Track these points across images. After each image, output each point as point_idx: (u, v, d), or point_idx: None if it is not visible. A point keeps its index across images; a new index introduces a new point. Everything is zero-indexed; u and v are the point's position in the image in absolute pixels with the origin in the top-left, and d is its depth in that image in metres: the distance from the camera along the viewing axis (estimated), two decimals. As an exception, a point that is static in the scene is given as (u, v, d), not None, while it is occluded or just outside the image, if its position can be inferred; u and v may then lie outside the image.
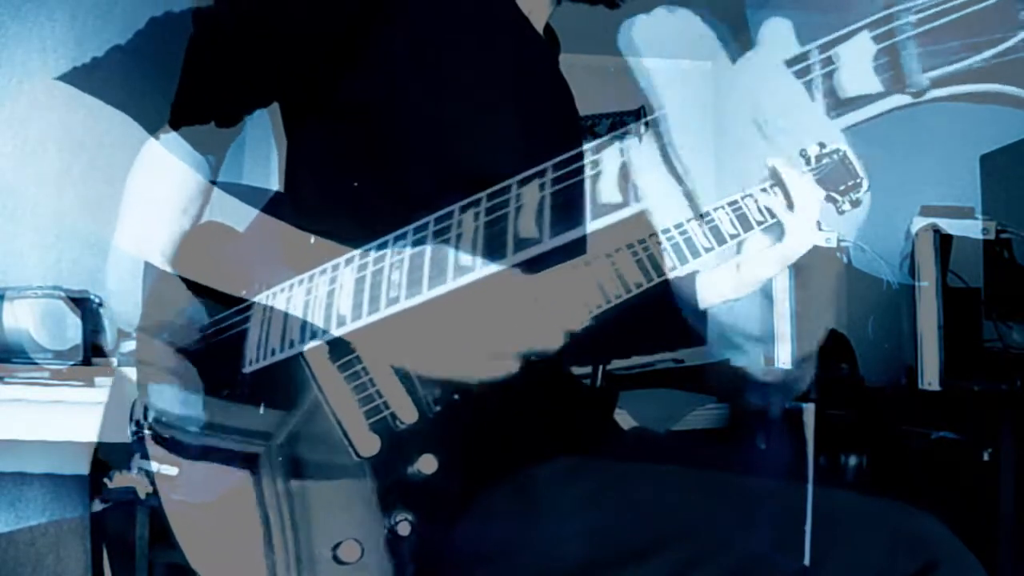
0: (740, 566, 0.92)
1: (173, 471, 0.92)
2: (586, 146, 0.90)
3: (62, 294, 1.62)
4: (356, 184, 0.98)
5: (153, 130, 0.94)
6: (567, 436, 1.03)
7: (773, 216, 0.98)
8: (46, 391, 1.55)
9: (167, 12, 0.96)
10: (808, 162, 1.01)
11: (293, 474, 0.88)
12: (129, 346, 1.59)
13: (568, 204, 0.87)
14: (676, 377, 2.03)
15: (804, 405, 1.61)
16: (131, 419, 0.96)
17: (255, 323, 0.92)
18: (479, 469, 0.93)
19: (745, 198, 0.97)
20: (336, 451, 0.88)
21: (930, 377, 1.80)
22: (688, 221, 0.95)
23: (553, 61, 1.16)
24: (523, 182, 0.88)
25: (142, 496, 0.95)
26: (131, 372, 0.99)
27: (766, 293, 1.07)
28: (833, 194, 1.01)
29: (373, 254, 0.89)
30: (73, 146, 0.94)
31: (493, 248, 0.87)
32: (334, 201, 1.00)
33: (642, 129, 0.91)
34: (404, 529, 0.87)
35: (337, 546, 0.86)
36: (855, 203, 1.00)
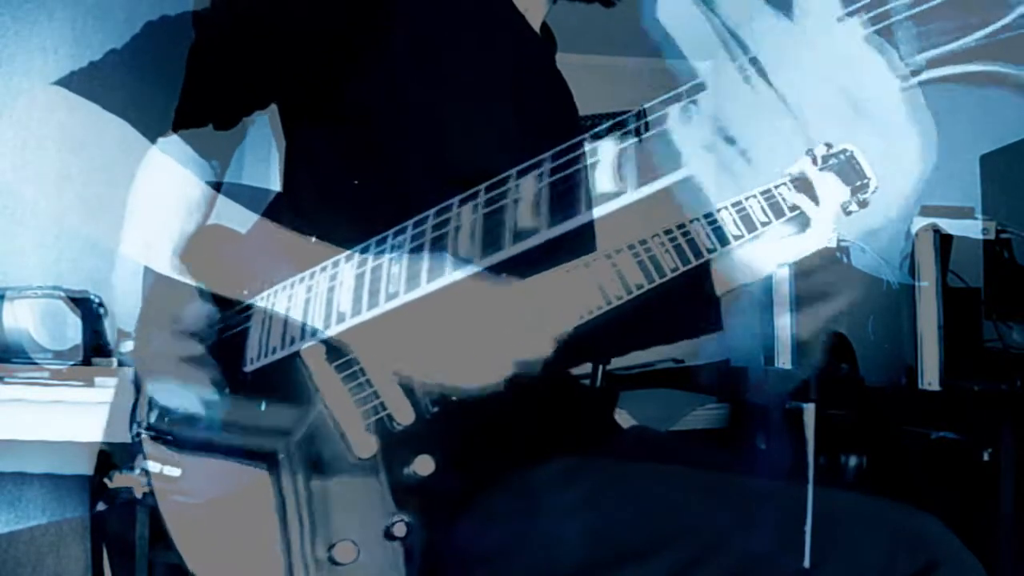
0: (740, 566, 0.92)
1: (176, 472, 0.92)
2: (583, 136, 0.90)
3: (62, 294, 1.63)
4: (356, 184, 0.98)
5: (152, 135, 0.94)
6: (566, 436, 1.03)
7: (796, 209, 0.98)
8: (46, 391, 1.55)
9: (163, 16, 0.96)
10: (815, 162, 1.01)
11: (291, 475, 0.88)
12: (129, 346, 1.59)
13: (566, 194, 0.87)
14: (676, 377, 2.03)
15: (804, 405, 1.60)
16: (132, 420, 0.96)
17: (256, 322, 0.92)
18: (477, 470, 0.93)
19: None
20: (333, 452, 0.88)
21: (930, 377, 1.80)
22: (691, 222, 0.95)
23: (550, 59, 1.16)
24: (521, 173, 0.88)
25: (139, 496, 0.95)
26: (131, 372, 0.99)
27: (766, 293, 1.07)
28: (845, 191, 1.01)
29: (373, 249, 0.89)
30: (73, 146, 0.93)
31: (492, 240, 0.87)
32: (334, 201, 1.00)
33: (642, 129, 0.91)
34: (401, 530, 0.87)
35: (333, 547, 0.86)
36: (862, 204, 1.00)
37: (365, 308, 0.88)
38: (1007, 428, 1.71)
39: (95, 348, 1.67)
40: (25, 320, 1.60)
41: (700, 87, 0.86)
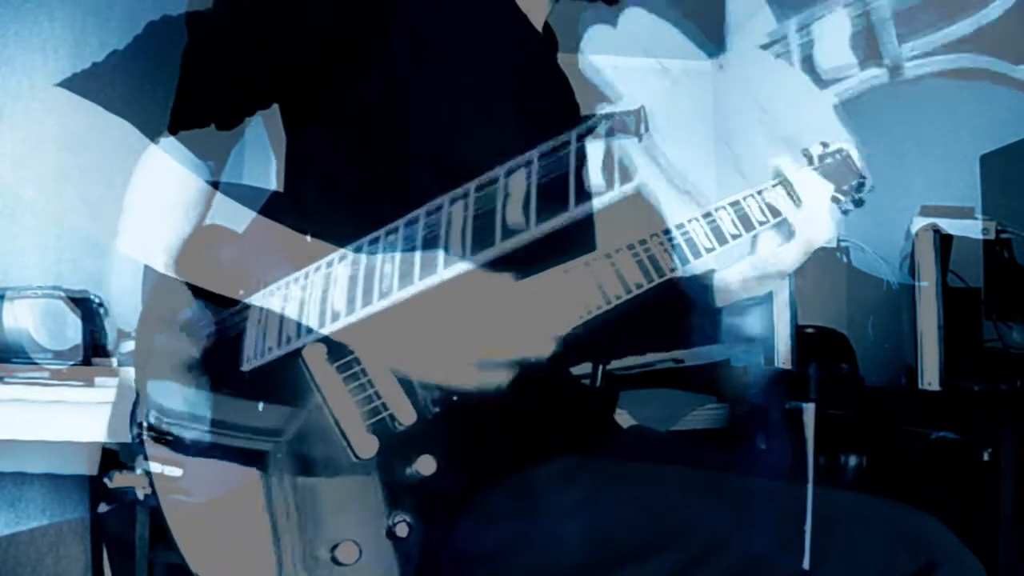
0: (740, 566, 0.92)
1: (177, 472, 0.92)
2: (570, 133, 0.90)
3: (62, 294, 1.63)
4: (356, 184, 0.98)
5: (153, 135, 0.94)
6: (567, 436, 1.03)
7: (777, 215, 0.98)
8: (46, 391, 1.55)
9: (164, 16, 0.96)
10: (810, 161, 1.01)
11: (292, 475, 0.88)
12: (129, 346, 1.59)
13: (554, 191, 0.87)
14: (676, 377, 2.03)
15: (804, 405, 1.60)
16: (132, 421, 0.96)
17: (252, 322, 0.92)
18: (478, 470, 0.93)
19: (747, 198, 0.98)
20: (335, 452, 0.88)
21: (930, 377, 1.80)
22: (690, 222, 0.95)
23: (552, 59, 1.16)
24: (509, 172, 0.88)
25: (140, 496, 0.95)
26: (131, 372, 0.99)
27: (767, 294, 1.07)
28: (836, 194, 1.02)
29: (366, 248, 0.89)
30: (73, 146, 0.93)
31: (482, 237, 0.87)
32: (334, 201, 1.00)
33: (642, 129, 0.91)
34: (403, 530, 0.87)
35: (335, 547, 0.86)
36: (858, 203, 1.00)
37: (359, 306, 0.88)
38: (1007, 428, 1.71)
39: (95, 348, 1.66)
40: (25, 320, 1.60)
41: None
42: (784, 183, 0.98)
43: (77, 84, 0.93)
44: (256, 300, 0.92)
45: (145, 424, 0.94)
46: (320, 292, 0.89)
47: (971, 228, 1.90)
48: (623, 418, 1.21)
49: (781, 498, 0.96)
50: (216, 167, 1.00)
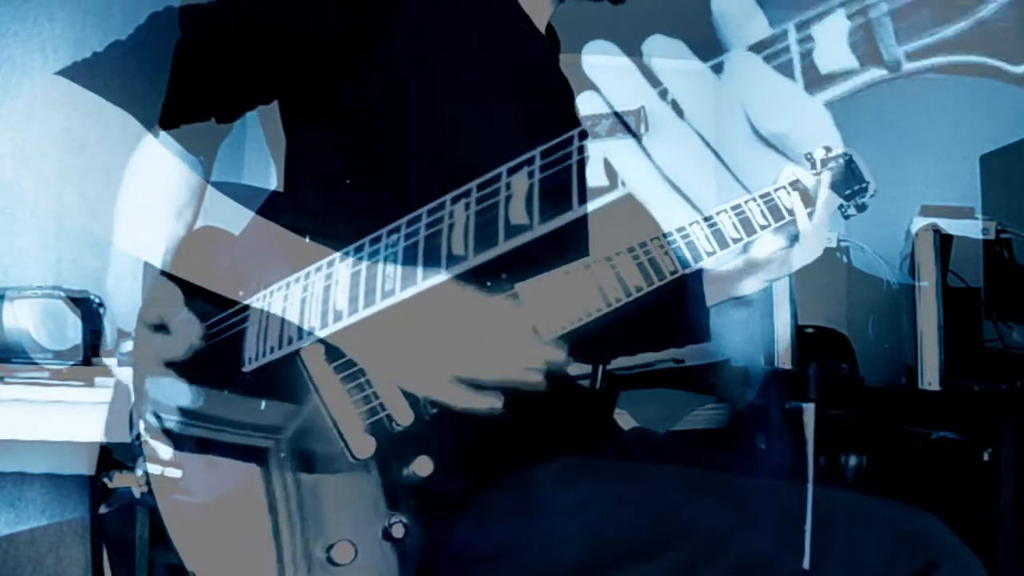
0: (740, 566, 0.92)
1: (177, 473, 0.92)
2: (572, 132, 0.90)
3: (62, 294, 1.62)
4: (357, 184, 0.98)
5: (153, 127, 0.94)
6: (566, 437, 1.03)
7: (780, 219, 0.98)
8: (46, 391, 1.55)
9: (168, 7, 0.96)
10: (813, 166, 1.01)
11: (289, 475, 0.88)
12: (129, 346, 1.59)
13: (556, 190, 0.87)
14: (676, 377, 2.03)
15: (804, 405, 1.60)
16: (132, 420, 0.96)
17: (253, 322, 0.92)
18: (476, 471, 0.93)
19: (748, 202, 0.97)
20: (332, 452, 0.88)
21: (930, 377, 1.80)
22: (691, 225, 0.95)
23: (554, 60, 1.16)
24: (512, 171, 0.88)
25: (137, 496, 0.95)
26: (131, 372, 0.99)
27: (766, 293, 1.07)
28: (838, 198, 1.01)
29: (367, 248, 0.89)
30: (73, 146, 0.93)
31: (485, 237, 0.87)
32: (335, 201, 1.00)
33: (642, 129, 0.91)
34: (399, 531, 0.87)
35: (331, 547, 0.86)
36: (860, 208, 1.00)
37: (361, 306, 0.88)
38: (1007, 428, 1.72)
39: (95, 348, 1.66)
40: (25, 320, 1.60)
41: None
42: (799, 187, 0.98)
43: (77, 74, 0.93)
44: (257, 301, 0.92)
45: (144, 424, 0.94)
46: (321, 292, 0.89)
47: (971, 228, 1.90)
48: (623, 419, 1.21)
49: (781, 498, 0.96)
50: (207, 163, 0.99)
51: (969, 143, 2.22)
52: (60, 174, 0.95)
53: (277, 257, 0.93)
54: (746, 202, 0.97)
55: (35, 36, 1.91)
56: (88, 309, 1.65)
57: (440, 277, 0.87)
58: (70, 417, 1.54)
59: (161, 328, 0.96)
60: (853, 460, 1.98)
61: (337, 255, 0.90)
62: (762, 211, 0.97)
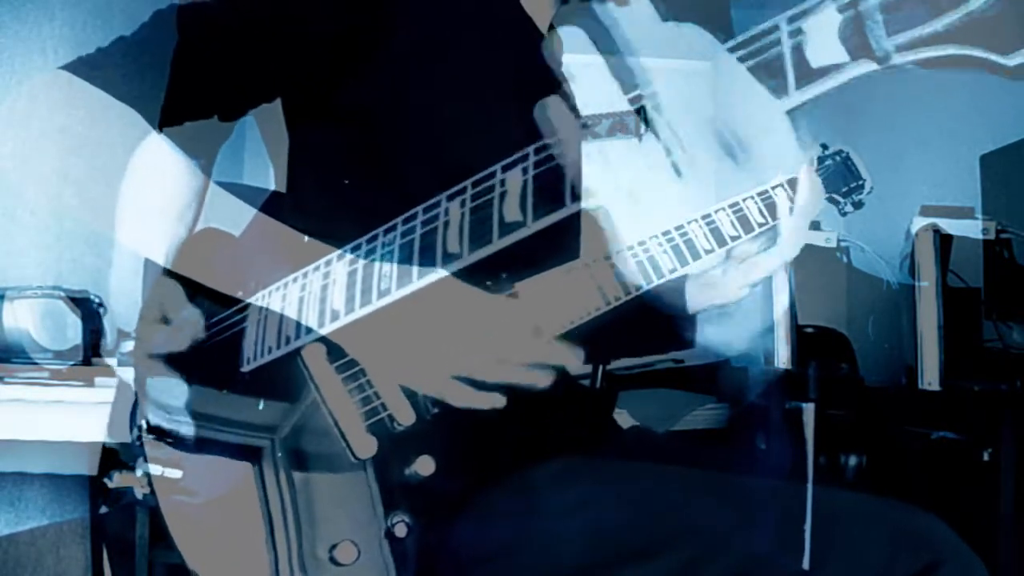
0: (740, 566, 0.92)
1: (177, 473, 0.92)
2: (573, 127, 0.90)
3: (62, 294, 1.63)
4: (358, 184, 0.98)
5: (156, 124, 0.94)
6: (566, 437, 1.03)
7: (776, 218, 0.98)
8: (46, 391, 1.55)
9: (173, 5, 0.96)
10: (810, 163, 1.01)
11: (291, 475, 0.88)
12: (129, 346, 1.59)
13: (551, 186, 0.87)
14: (676, 377, 2.03)
15: (804, 405, 1.60)
16: (132, 422, 0.96)
17: (252, 322, 0.92)
18: (477, 470, 0.93)
19: (747, 200, 0.97)
20: (333, 452, 0.88)
21: (930, 377, 1.80)
22: (689, 223, 0.95)
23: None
24: (506, 168, 0.88)
25: (139, 496, 0.95)
26: (131, 372, 0.99)
27: (766, 293, 1.07)
28: (835, 196, 1.01)
29: (364, 247, 0.89)
30: (73, 146, 0.93)
31: (479, 235, 0.87)
32: (336, 202, 1.00)
33: (642, 129, 0.91)
34: (401, 531, 0.87)
35: (334, 547, 0.86)
36: (857, 205, 1.00)
37: (358, 305, 0.88)
38: (1007, 428, 1.72)
39: (95, 348, 1.67)
40: (25, 320, 1.60)
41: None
42: (786, 186, 0.98)
43: (80, 70, 0.93)
44: (256, 300, 0.92)
45: (145, 423, 0.94)
46: (319, 291, 0.89)
47: (971, 228, 1.90)
48: (623, 418, 1.21)
49: (781, 498, 0.96)
50: (205, 165, 0.99)
51: (969, 143, 2.23)
52: (60, 174, 0.95)
53: (276, 257, 0.93)
54: (744, 200, 0.97)
55: (35, 36, 1.91)
56: (88, 309, 1.65)
57: (436, 275, 0.87)
58: (70, 417, 1.54)
59: (164, 323, 0.96)
60: (853, 460, 1.98)
61: (335, 254, 0.90)
62: (759, 209, 0.97)
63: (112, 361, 1.66)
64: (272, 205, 1.00)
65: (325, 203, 1.00)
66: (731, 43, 0.82)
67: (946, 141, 2.45)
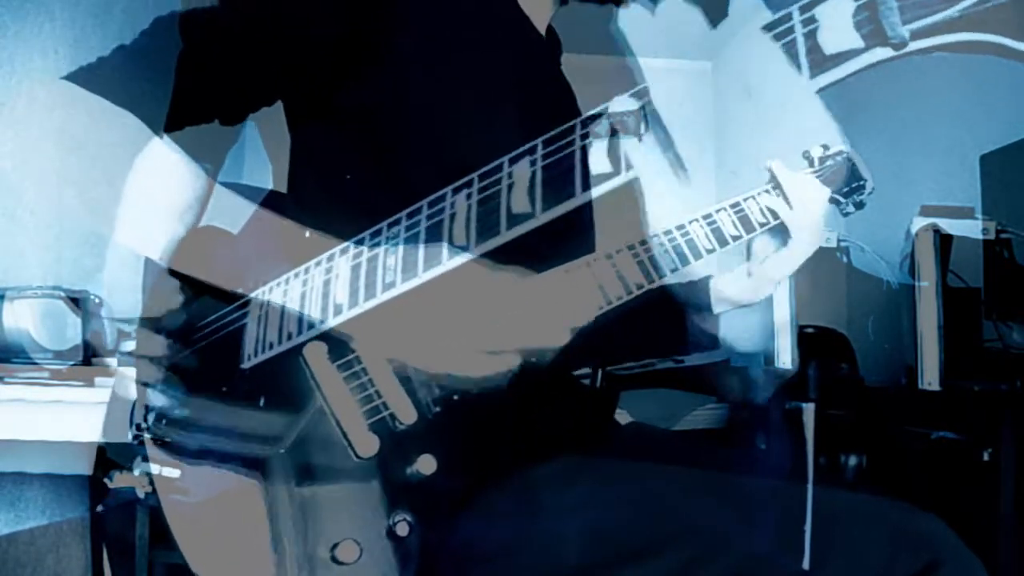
0: (740, 566, 0.92)
1: (175, 473, 0.92)
2: (574, 121, 0.90)
3: (62, 294, 1.62)
4: (360, 184, 0.98)
5: (158, 130, 0.94)
6: (567, 436, 1.03)
7: (776, 217, 0.98)
8: (46, 391, 1.55)
9: (172, 12, 0.96)
10: (811, 164, 1.01)
11: (291, 474, 0.88)
12: (129, 346, 1.59)
13: (559, 177, 0.87)
14: (676, 377, 2.03)
15: (804, 405, 1.60)
16: (131, 421, 0.96)
17: (252, 318, 0.92)
18: (478, 470, 0.93)
19: (747, 200, 0.98)
20: (335, 451, 0.88)
21: (930, 377, 1.80)
22: (690, 223, 0.95)
23: (555, 62, 1.16)
24: (513, 160, 0.88)
25: (141, 496, 0.95)
26: (131, 372, 0.99)
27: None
28: (836, 196, 1.02)
29: (368, 241, 0.89)
30: (73, 146, 0.93)
31: (487, 226, 0.87)
32: (338, 201, 1.00)
33: (642, 129, 0.91)
34: (403, 529, 0.87)
35: (335, 546, 0.86)
36: (859, 205, 1.00)
37: (362, 299, 0.88)
38: (1007, 428, 1.71)
39: (95, 348, 1.66)
40: (25, 320, 1.60)
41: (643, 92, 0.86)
42: (776, 186, 0.98)
43: (82, 78, 0.93)
44: (256, 296, 0.92)
45: (144, 425, 0.94)
46: (322, 286, 0.89)
47: (971, 228, 1.90)
48: (623, 418, 1.21)
49: (781, 498, 0.96)
50: (213, 169, 1.00)
51: (969, 143, 2.22)
52: (60, 174, 0.95)
53: (275, 253, 0.93)
54: (745, 200, 0.98)
55: (35, 36, 1.91)
56: (88, 309, 1.65)
57: (443, 267, 0.87)
58: (70, 417, 1.54)
59: (162, 327, 0.96)
60: (853, 460, 1.98)
61: (337, 248, 0.90)
62: (760, 209, 0.97)
63: (112, 361, 1.66)
64: (270, 204, 1.00)
65: (327, 203, 1.00)
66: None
67: (946, 141, 2.45)
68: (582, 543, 0.92)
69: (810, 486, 0.96)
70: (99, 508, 2.01)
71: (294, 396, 0.90)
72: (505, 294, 0.89)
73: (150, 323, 0.97)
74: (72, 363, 1.61)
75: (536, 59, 1.11)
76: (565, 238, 0.90)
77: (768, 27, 0.80)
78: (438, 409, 0.89)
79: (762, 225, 0.97)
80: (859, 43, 0.78)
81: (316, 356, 0.89)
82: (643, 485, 0.99)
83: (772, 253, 1.00)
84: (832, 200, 1.02)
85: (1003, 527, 1.69)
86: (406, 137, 0.97)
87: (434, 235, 0.87)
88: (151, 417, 0.94)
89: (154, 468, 0.93)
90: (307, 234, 0.93)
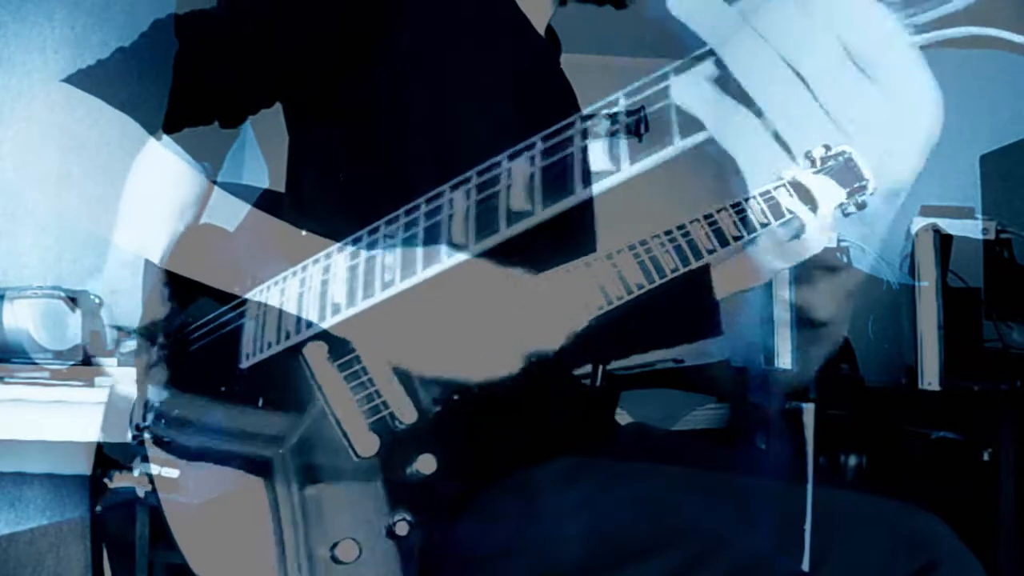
0: (740, 566, 0.92)
1: (174, 473, 0.92)
2: (575, 116, 0.89)
3: (62, 294, 1.63)
4: (358, 183, 0.98)
5: (156, 132, 0.94)
6: (568, 436, 1.03)
7: (780, 217, 0.98)
8: (46, 391, 1.55)
9: (171, 14, 0.96)
10: (813, 164, 1.01)
11: (291, 473, 0.88)
12: (129, 346, 1.60)
13: (559, 174, 0.87)
14: (676, 377, 2.03)
15: (804, 405, 1.60)
16: (131, 421, 0.96)
17: (250, 317, 0.92)
18: (479, 469, 0.93)
19: (748, 199, 0.97)
20: (335, 451, 0.88)
21: (930, 377, 1.80)
22: (691, 222, 0.95)
23: (554, 62, 1.16)
24: (512, 156, 0.87)
25: (141, 494, 0.95)
26: (131, 372, 0.99)
27: (767, 292, 1.07)
28: (843, 193, 1.01)
29: (366, 239, 0.89)
30: (73, 146, 0.93)
31: (486, 224, 0.86)
32: (336, 201, 1.00)
33: (642, 129, 0.90)
34: (403, 529, 0.87)
35: (335, 545, 0.86)
36: (860, 206, 1.00)
37: (360, 298, 0.87)
38: (1007, 428, 1.72)
39: (95, 348, 1.67)
40: (25, 320, 1.60)
41: (708, 54, 0.83)
42: (796, 186, 0.98)
43: (82, 80, 0.93)
44: (255, 295, 0.91)
45: (144, 425, 0.94)
46: (319, 285, 0.89)
47: (971, 228, 1.90)
48: (623, 418, 1.21)
49: (781, 498, 0.96)
50: (213, 169, 1.00)
51: (969, 143, 2.23)
52: (60, 174, 0.95)
53: (272, 252, 0.93)
54: (746, 200, 0.97)
55: (35, 36, 1.91)
56: (88, 309, 1.65)
57: (442, 265, 0.86)
58: (70, 417, 1.54)
59: (162, 328, 0.96)
60: (853, 460, 1.98)
61: (335, 247, 0.90)
62: (762, 209, 0.97)
63: (112, 361, 1.66)
64: (266, 203, 0.99)
65: (325, 202, 1.00)
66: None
67: (946, 141, 2.45)
68: (582, 543, 0.92)
69: (810, 486, 0.96)
70: (99, 508, 2.01)
71: (293, 396, 0.90)
72: (505, 294, 0.89)
73: (150, 322, 0.97)
74: (72, 363, 1.61)
75: (535, 59, 1.11)
76: (566, 238, 0.90)
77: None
78: (438, 408, 0.89)
79: (763, 225, 0.97)
80: None
81: (316, 356, 0.89)
82: (643, 485, 0.99)
83: (781, 242, 1.00)
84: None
85: (1003, 527, 1.69)
86: (405, 137, 0.97)
87: (433, 233, 0.87)
88: (151, 417, 0.94)
89: (154, 468, 0.93)
90: (303, 232, 0.93)
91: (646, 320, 0.97)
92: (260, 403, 0.90)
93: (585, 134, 0.86)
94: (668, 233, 0.94)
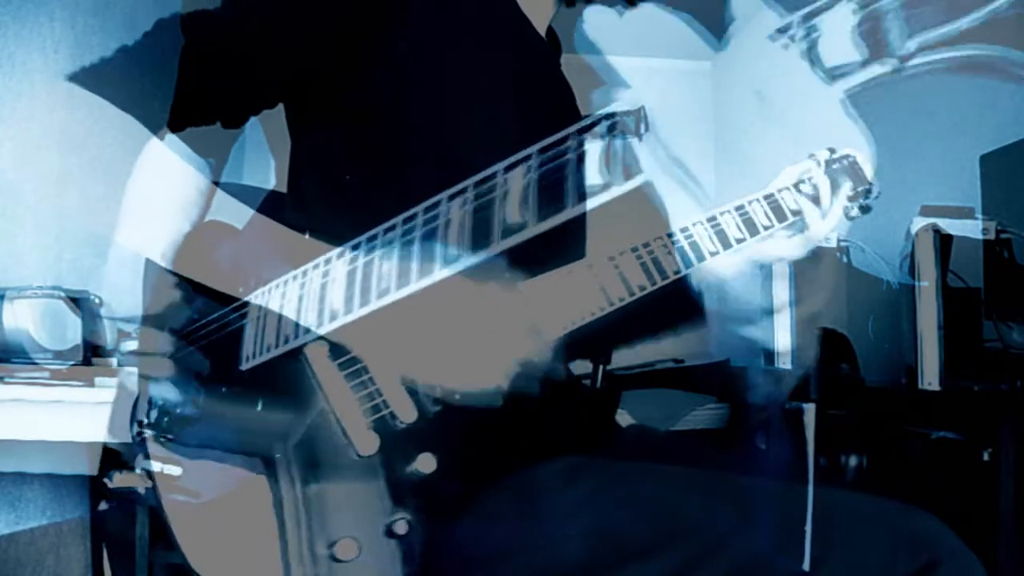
0: (740, 566, 0.92)
1: (176, 471, 0.92)
2: (570, 129, 0.90)
3: (62, 294, 1.62)
4: (360, 185, 0.98)
5: (158, 131, 0.94)
6: (568, 436, 1.03)
7: (783, 219, 0.98)
8: (46, 391, 1.55)
9: (174, 14, 0.96)
10: (818, 166, 1.01)
11: (292, 473, 0.88)
12: (129, 346, 1.60)
13: (554, 187, 0.87)
14: (676, 377, 2.03)
15: (804, 405, 1.61)
16: (133, 419, 0.96)
17: (251, 320, 0.92)
18: (478, 469, 0.93)
19: (752, 202, 0.98)
20: (335, 449, 0.88)
21: (930, 377, 1.80)
22: (694, 225, 0.95)
23: (555, 63, 1.16)
24: (509, 168, 0.88)
25: (141, 492, 0.95)
26: (133, 369, 0.99)
27: (766, 291, 1.07)
28: (849, 193, 1.01)
29: (364, 246, 0.89)
30: (73, 146, 0.93)
31: (481, 235, 0.87)
32: (337, 202, 1.00)
33: (642, 129, 0.91)
34: (402, 528, 0.87)
35: (334, 544, 0.86)
36: (864, 209, 1.00)
37: (357, 305, 0.88)
38: (1007, 428, 1.71)
39: (95, 348, 1.67)
40: (25, 320, 1.60)
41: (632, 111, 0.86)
42: (808, 185, 0.98)
43: (85, 79, 0.93)
44: (255, 298, 0.92)
45: (146, 423, 0.94)
46: (318, 290, 0.89)
47: (971, 228, 1.90)
48: (623, 418, 1.21)
49: (781, 498, 0.96)
50: (217, 165, 1.00)
51: (969, 143, 2.23)
52: (60, 174, 0.95)
53: (277, 254, 0.93)
54: (750, 202, 0.97)
55: (35, 36, 1.91)
56: (88, 309, 1.65)
57: (436, 276, 0.87)
58: (70, 417, 1.54)
59: (163, 327, 0.96)
60: (853, 460, 1.98)
61: (334, 252, 0.90)
62: (765, 212, 0.97)
63: (112, 361, 1.66)
64: (271, 204, 1.00)
65: (327, 204, 1.00)
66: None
67: (946, 141, 2.45)
68: (582, 543, 0.92)
69: (810, 486, 0.96)
70: (99, 508, 2.01)
71: (292, 398, 0.90)
72: (502, 299, 0.89)
73: (153, 320, 0.97)
74: (72, 363, 1.61)
75: (536, 60, 1.11)
76: (555, 244, 0.90)
77: (770, 38, 0.80)
78: (438, 408, 0.89)
79: (766, 228, 0.97)
80: (861, 55, 0.77)
81: (318, 355, 0.90)
82: (644, 485, 0.99)
83: (783, 236, 1.00)
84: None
85: (1003, 527, 1.69)
86: (406, 138, 0.98)
87: (429, 242, 0.87)
88: (153, 414, 0.94)
89: (155, 466, 0.93)
90: (306, 235, 0.93)
91: (633, 313, 0.97)
92: (259, 406, 0.91)
93: (581, 148, 0.86)
94: (670, 235, 0.94)
